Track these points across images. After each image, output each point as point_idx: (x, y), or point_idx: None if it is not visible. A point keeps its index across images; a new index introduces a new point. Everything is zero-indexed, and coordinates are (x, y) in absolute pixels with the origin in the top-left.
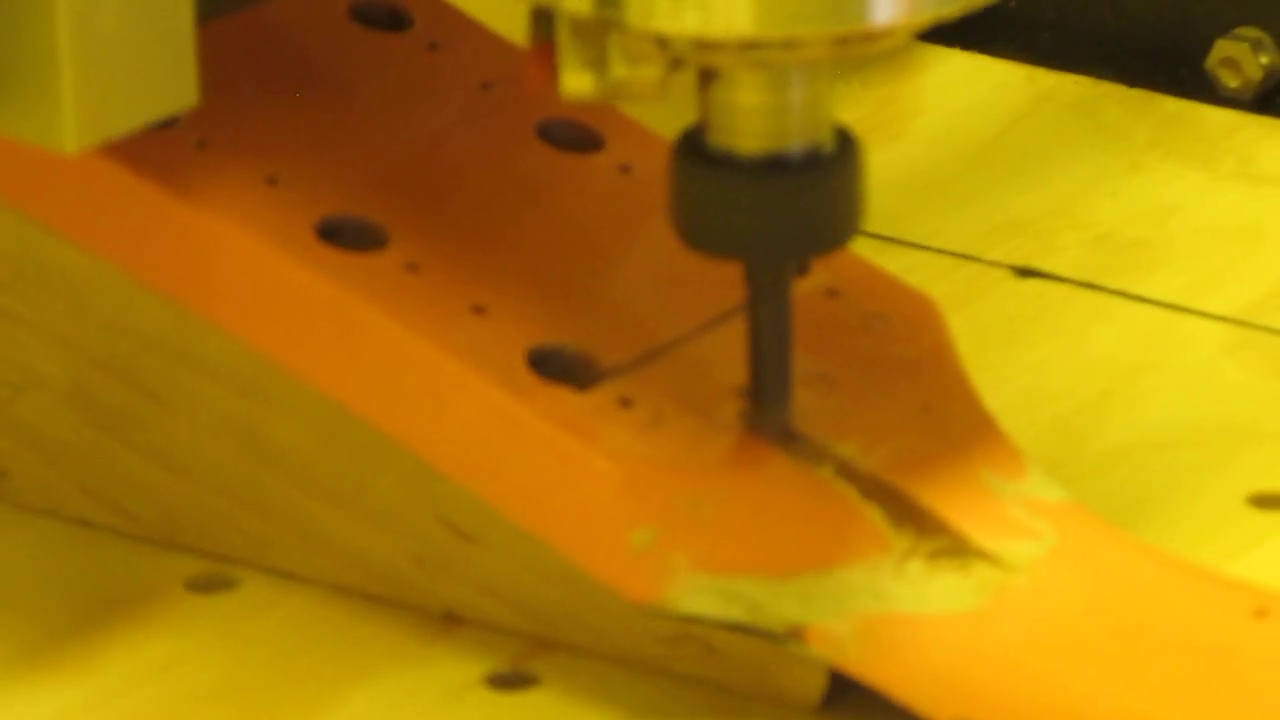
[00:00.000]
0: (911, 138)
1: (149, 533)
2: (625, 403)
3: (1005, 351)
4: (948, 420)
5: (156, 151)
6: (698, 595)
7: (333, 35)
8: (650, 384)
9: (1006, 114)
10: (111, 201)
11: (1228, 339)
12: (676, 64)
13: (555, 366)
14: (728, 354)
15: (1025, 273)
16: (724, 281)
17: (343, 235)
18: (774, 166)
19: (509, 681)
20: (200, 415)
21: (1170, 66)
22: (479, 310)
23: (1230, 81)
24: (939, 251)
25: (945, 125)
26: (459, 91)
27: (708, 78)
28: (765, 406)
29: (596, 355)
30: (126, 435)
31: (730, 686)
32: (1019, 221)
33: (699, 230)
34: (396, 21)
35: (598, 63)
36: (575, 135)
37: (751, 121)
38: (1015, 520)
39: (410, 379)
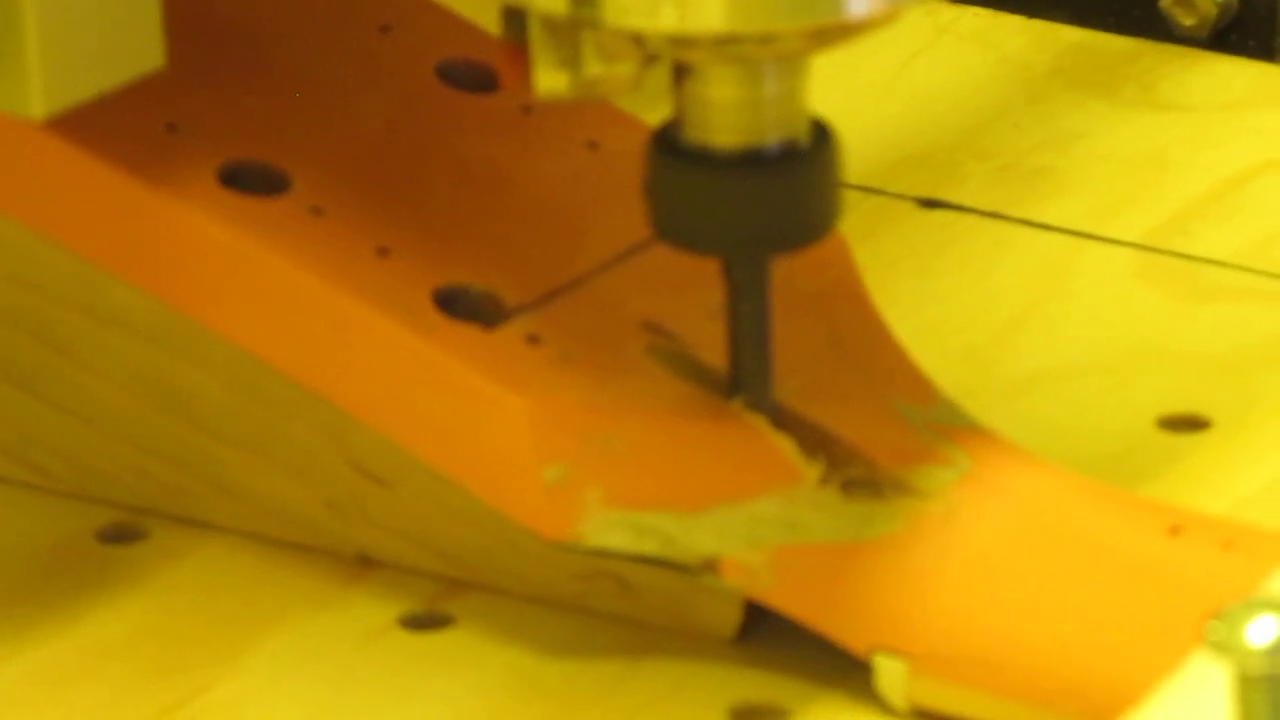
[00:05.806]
0: (813, 73)
1: (59, 485)
2: (533, 340)
3: (913, 282)
4: (857, 351)
5: None
6: (611, 530)
7: None
8: (558, 321)
9: (907, 47)
10: (9, 152)
11: (1134, 264)
12: (651, 60)
13: (462, 306)
14: (634, 290)
15: (930, 204)
16: (627, 218)
17: (244, 180)
18: (750, 162)
19: (424, 622)
20: (109, 366)
21: (1123, 6)
22: (384, 252)
23: (1185, 20)
24: (843, 185)
25: (846, 60)
26: (358, 35)
27: (682, 72)
28: (749, 396)
29: (503, 294)
30: (34, 388)
31: (646, 621)
32: (923, 153)
33: (676, 226)
34: None
35: (572, 61)
36: (474, 75)
37: (727, 116)
38: (928, 447)
39: (316, 323)
